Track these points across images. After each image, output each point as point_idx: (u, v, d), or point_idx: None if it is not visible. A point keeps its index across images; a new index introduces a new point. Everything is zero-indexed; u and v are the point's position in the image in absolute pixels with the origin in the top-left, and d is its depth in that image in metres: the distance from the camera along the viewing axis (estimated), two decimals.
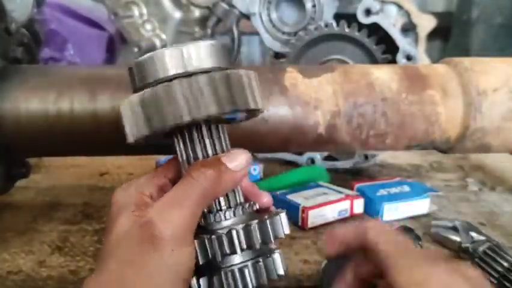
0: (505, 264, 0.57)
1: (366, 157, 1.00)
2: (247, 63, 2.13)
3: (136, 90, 0.38)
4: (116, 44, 1.75)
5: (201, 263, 0.36)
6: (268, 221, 0.38)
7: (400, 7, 0.92)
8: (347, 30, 0.92)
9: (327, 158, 1.02)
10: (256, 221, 0.38)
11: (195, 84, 0.35)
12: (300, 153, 1.03)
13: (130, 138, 0.39)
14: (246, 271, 0.37)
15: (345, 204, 0.77)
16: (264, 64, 1.41)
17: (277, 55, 1.01)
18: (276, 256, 0.39)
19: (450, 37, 2.15)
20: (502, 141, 0.64)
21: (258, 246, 0.37)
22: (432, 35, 0.94)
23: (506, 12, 1.95)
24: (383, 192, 0.82)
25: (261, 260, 0.38)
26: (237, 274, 0.37)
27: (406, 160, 1.13)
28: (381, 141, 0.64)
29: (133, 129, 0.38)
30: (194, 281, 0.37)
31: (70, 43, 1.61)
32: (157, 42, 1.15)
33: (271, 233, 0.38)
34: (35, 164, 0.95)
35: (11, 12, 0.65)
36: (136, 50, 1.14)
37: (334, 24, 0.94)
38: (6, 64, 0.63)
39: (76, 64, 1.59)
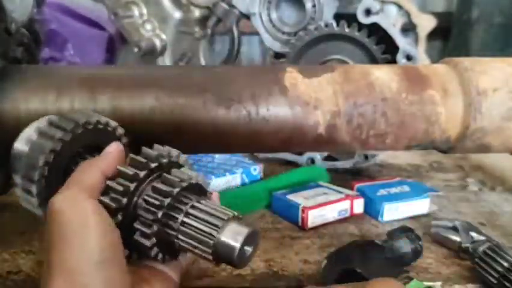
0: (505, 264, 0.57)
1: (366, 157, 1.00)
2: (247, 63, 2.13)
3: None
4: (116, 44, 1.74)
5: (124, 203, 0.39)
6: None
7: (400, 7, 0.92)
8: (347, 30, 0.92)
9: (327, 158, 1.02)
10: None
11: (32, 143, 0.43)
12: (300, 153, 1.03)
13: (36, 211, 0.45)
14: (158, 184, 0.40)
15: (345, 204, 0.78)
16: (264, 64, 1.40)
17: (277, 55, 1.01)
18: (184, 167, 0.43)
19: (450, 37, 2.15)
20: (502, 141, 0.64)
21: (158, 156, 0.41)
22: (432, 35, 0.94)
23: (506, 12, 1.95)
24: (383, 192, 0.82)
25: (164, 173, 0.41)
26: (156, 189, 0.40)
27: (406, 160, 1.13)
28: (381, 141, 0.64)
29: (26, 205, 0.44)
30: (137, 235, 0.40)
31: (70, 43, 1.61)
32: (157, 42, 1.15)
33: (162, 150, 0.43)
34: None
35: (11, 13, 0.65)
36: (136, 50, 1.14)
37: (334, 24, 0.94)
38: (6, 64, 0.63)
39: (76, 64, 1.58)
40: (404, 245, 0.62)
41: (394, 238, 0.63)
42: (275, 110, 0.61)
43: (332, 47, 0.95)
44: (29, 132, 0.46)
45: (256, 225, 0.76)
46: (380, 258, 0.60)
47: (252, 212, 0.81)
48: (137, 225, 0.40)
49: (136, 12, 1.15)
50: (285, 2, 0.99)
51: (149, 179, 0.41)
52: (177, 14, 1.15)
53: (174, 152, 0.44)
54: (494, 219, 0.80)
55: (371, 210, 0.80)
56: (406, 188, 0.84)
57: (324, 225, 0.75)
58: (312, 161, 1.02)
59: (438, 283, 0.60)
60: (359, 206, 0.79)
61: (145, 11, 1.16)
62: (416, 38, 0.93)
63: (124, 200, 0.39)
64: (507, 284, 0.56)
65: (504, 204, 0.87)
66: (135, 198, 0.40)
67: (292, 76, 0.63)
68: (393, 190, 0.83)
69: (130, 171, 0.40)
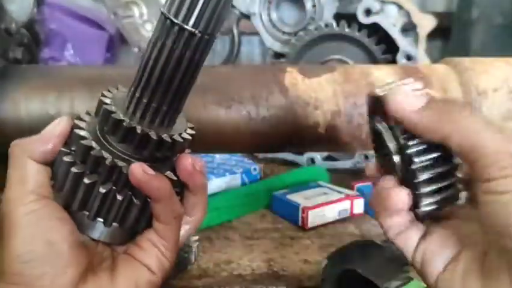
0: None
1: (366, 157, 1.00)
2: (247, 63, 2.13)
3: None
4: (116, 44, 1.75)
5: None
6: None
7: (400, 7, 0.92)
8: (347, 30, 0.92)
9: (327, 158, 1.02)
10: None
11: None
12: (300, 153, 1.03)
13: None
14: None
15: (345, 204, 0.78)
16: (264, 64, 1.41)
17: (277, 55, 1.01)
18: None
19: (450, 37, 2.15)
20: None
21: None
22: (432, 35, 0.94)
23: (506, 12, 1.95)
24: None
25: None
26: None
27: None
28: None
29: None
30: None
31: (70, 43, 1.61)
32: None
33: None
34: None
35: (11, 13, 0.65)
36: (136, 50, 1.14)
37: (334, 24, 0.94)
38: (7, 64, 0.63)
39: (76, 64, 1.58)
40: None
41: None
42: (275, 110, 0.61)
43: (332, 47, 0.95)
44: None
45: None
46: (380, 258, 0.60)
47: (252, 212, 0.81)
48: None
49: (136, 12, 1.15)
50: (285, 2, 0.99)
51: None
52: None
53: None
54: None
55: (371, 210, 0.79)
56: None
57: (324, 225, 0.75)
58: (312, 161, 1.02)
59: None
60: (359, 206, 0.79)
61: (145, 11, 1.16)
62: (416, 38, 0.93)
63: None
64: None
65: None
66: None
67: (292, 76, 0.63)
68: None
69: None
